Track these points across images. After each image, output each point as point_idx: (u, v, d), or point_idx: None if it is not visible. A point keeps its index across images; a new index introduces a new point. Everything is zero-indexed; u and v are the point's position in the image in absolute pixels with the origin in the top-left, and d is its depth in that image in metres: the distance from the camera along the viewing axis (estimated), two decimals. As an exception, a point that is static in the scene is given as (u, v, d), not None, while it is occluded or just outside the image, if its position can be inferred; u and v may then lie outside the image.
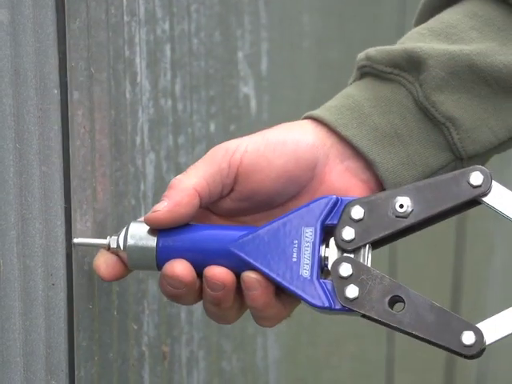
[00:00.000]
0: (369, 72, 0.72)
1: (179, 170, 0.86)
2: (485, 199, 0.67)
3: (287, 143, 0.70)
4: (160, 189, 0.84)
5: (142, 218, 0.71)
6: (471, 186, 0.66)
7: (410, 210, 0.67)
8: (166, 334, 0.85)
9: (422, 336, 0.67)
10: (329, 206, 0.68)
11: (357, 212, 0.67)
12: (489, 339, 0.67)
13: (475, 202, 0.67)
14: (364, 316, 0.68)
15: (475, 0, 0.74)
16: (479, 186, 0.66)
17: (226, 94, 0.96)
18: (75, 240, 0.70)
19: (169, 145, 0.85)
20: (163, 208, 0.68)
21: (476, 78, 0.71)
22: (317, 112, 0.71)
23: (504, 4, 0.72)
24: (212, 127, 0.93)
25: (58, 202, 0.69)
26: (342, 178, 0.72)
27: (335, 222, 0.67)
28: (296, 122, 0.72)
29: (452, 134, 0.70)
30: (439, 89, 0.71)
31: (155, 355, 0.84)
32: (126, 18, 0.78)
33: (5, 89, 0.64)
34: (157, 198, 0.81)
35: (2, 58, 0.63)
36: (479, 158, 0.71)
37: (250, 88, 1.00)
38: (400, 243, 1.46)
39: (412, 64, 0.71)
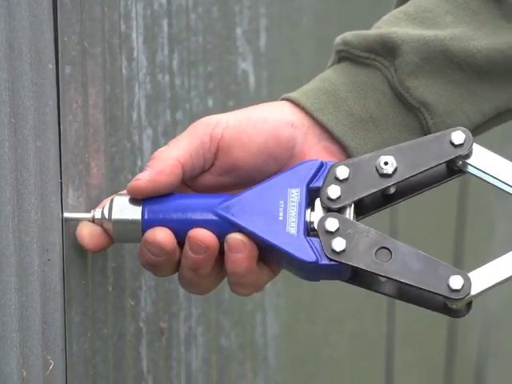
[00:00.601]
0: (346, 56, 0.72)
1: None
2: (468, 161, 0.67)
3: (268, 121, 0.70)
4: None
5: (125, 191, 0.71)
6: (453, 144, 0.67)
7: (393, 167, 0.67)
8: (163, 310, 0.85)
9: (409, 282, 0.68)
10: (314, 169, 0.68)
11: (342, 172, 0.67)
12: (477, 288, 0.68)
13: (459, 170, 0.68)
14: (352, 271, 0.69)
15: None
16: (461, 145, 0.67)
17: (224, 69, 0.96)
18: (65, 215, 0.70)
19: (166, 120, 0.86)
20: (145, 177, 0.68)
21: (450, 63, 0.71)
22: (294, 95, 0.72)
23: None
24: (210, 103, 0.93)
25: (54, 178, 0.69)
26: (321, 156, 0.72)
27: (320, 184, 0.68)
28: (276, 103, 0.73)
29: (426, 119, 0.71)
30: (413, 74, 0.71)
31: (153, 331, 0.84)
32: None
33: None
34: None
35: None
36: None
37: (248, 64, 1.00)
38: (400, 219, 1.46)
39: (387, 49, 0.71)
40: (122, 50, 0.78)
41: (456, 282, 0.67)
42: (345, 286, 0.72)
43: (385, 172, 0.67)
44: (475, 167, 0.67)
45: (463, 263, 1.73)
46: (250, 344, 1.03)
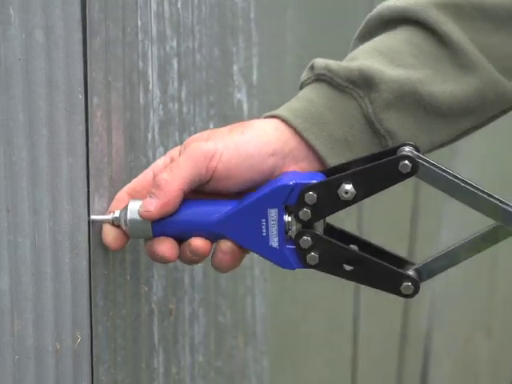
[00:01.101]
0: (327, 80, 0.71)
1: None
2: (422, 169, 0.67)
3: (254, 157, 0.69)
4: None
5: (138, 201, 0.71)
6: (402, 173, 0.66)
7: (353, 195, 0.66)
8: (171, 295, 0.85)
9: (370, 286, 0.68)
10: (288, 191, 0.67)
11: (311, 198, 0.66)
12: (424, 278, 0.69)
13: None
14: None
15: (409, 30, 0.72)
16: (408, 173, 0.66)
17: (222, 99, 0.95)
18: (92, 217, 0.70)
19: (175, 140, 0.85)
20: (154, 208, 0.68)
21: (416, 102, 0.70)
22: (284, 114, 0.71)
23: (434, 35, 0.70)
24: (211, 126, 0.92)
25: (82, 187, 0.69)
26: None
27: (293, 201, 0.67)
28: (265, 124, 0.71)
29: (388, 145, 0.70)
30: (386, 108, 0.70)
31: (163, 312, 0.84)
32: (140, 36, 0.77)
33: (40, 95, 0.64)
34: None
35: (38, 69, 0.64)
36: None
37: (242, 95, 0.99)
38: (365, 220, 1.46)
39: (366, 83, 0.69)
40: (140, 83, 0.78)
41: (407, 287, 0.68)
42: (319, 273, 0.71)
43: (345, 199, 0.66)
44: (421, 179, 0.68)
45: (416, 257, 1.73)
46: (242, 321, 1.03)
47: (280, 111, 0.71)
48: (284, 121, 0.70)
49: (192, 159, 0.68)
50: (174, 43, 0.84)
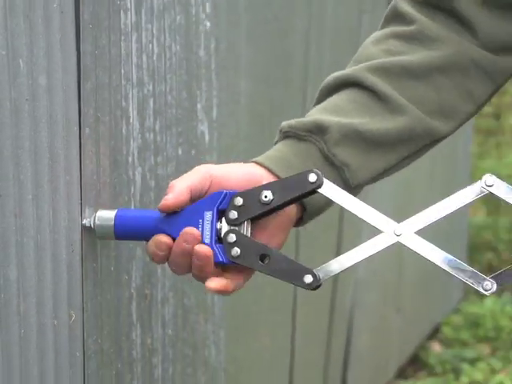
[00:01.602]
0: (291, 135, 0.70)
1: (158, 179, 0.86)
2: (320, 190, 0.66)
3: (241, 169, 0.69)
4: (145, 191, 0.83)
5: (106, 211, 0.70)
6: (310, 182, 0.65)
7: (271, 199, 0.65)
8: (147, 282, 0.84)
9: (280, 279, 0.67)
10: (221, 197, 0.66)
11: (238, 201, 0.66)
12: (323, 277, 0.66)
13: (315, 191, 0.67)
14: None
15: (350, 90, 0.72)
16: (314, 182, 0.65)
17: (189, 130, 0.95)
18: (84, 221, 0.70)
19: (151, 163, 0.84)
20: (170, 198, 0.66)
21: (358, 138, 0.70)
22: (262, 160, 0.70)
23: (369, 92, 0.71)
24: (180, 151, 0.92)
25: (76, 199, 0.69)
26: None
27: (225, 206, 0.66)
28: (247, 164, 0.71)
29: (345, 173, 0.70)
30: (336, 145, 0.69)
31: (140, 296, 0.83)
32: (123, 81, 0.77)
33: (43, 127, 0.64)
34: (143, 198, 0.83)
35: (41, 107, 0.64)
36: (361, 185, 0.71)
37: (204, 127, 0.99)
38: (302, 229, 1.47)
39: (319, 130, 0.69)
40: (123, 118, 0.78)
41: (308, 279, 0.65)
42: None
43: (265, 202, 0.66)
44: (325, 193, 0.67)
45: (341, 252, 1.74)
46: (203, 303, 1.01)
47: (258, 159, 0.71)
48: (261, 165, 0.70)
49: (196, 170, 0.68)
50: (151, 87, 0.83)
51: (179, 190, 0.66)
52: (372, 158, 0.71)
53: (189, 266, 0.66)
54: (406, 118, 0.70)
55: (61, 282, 0.67)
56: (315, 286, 0.65)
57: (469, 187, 0.66)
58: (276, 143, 0.72)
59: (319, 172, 0.65)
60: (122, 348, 0.79)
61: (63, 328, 0.67)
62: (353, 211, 0.67)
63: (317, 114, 0.71)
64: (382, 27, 0.74)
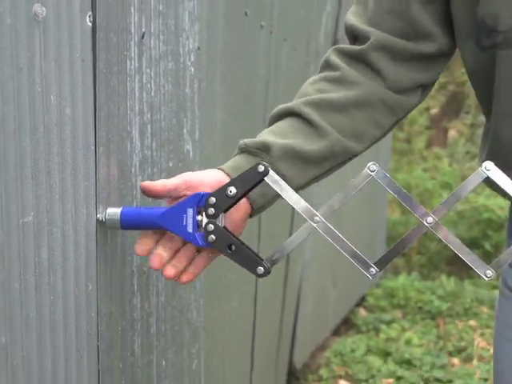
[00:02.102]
0: (245, 151, 0.70)
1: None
2: (266, 179, 0.64)
3: (209, 175, 0.69)
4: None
5: (114, 208, 0.69)
6: (259, 172, 0.64)
7: (235, 192, 0.64)
8: (145, 262, 0.81)
9: (240, 265, 0.65)
10: (199, 197, 0.65)
11: (212, 200, 0.65)
12: (275, 261, 0.64)
13: (263, 180, 0.65)
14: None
15: (290, 118, 0.71)
16: (263, 172, 0.63)
17: (177, 149, 0.93)
18: (98, 216, 0.69)
19: (149, 173, 0.83)
20: (147, 183, 0.67)
21: (295, 156, 0.69)
22: (224, 168, 0.70)
23: (304, 120, 0.71)
24: (170, 164, 0.90)
25: (92, 199, 0.68)
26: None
27: (203, 204, 0.65)
28: (214, 170, 0.70)
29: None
30: (278, 160, 0.69)
31: (139, 272, 0.82)
32: (128, 111, 0.76)
33: (68, 145, 0.63)
34: (143, 199, 0.79)
35: (66, 130, 0.62)
36: (296, 189, 0.69)
37: (189, 146, 0.97)
38: (263, 218, 1.43)
39: (266, 148, 0.69)
40: (128, 139, 0.77)
41: (260, 270, 0.64)
42: None
43: (231, 196, 0.64)
44: (268, 181, 0.65)
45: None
46: (180, 304, 0.97)
47: (220, 167, 0.70)
48: (222, 170, 0.70)
49: (175, 176, 0.68)
50: (149, 115, 0.82)
51: (156, 182, 0.67)
52: (304, 170, 0.70)
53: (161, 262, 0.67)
54: (328, 140, 0.70)
55: (80, 261, 0.66)
56: (265, 275, 0.64)
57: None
58: (235, 155, 0.71)
59: (266, 163, 0.64)
60: (125, 311, 0.78)
61: (82, 295, 0.67)
62: (286, 198, 0.65)
63: (265, 136, 0.71)
64: (318, 73, 0.75)
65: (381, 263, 0.63)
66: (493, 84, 0.69)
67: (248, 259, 0.64)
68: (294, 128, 0.71)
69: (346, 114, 0.71)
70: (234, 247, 0.64)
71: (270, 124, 0.73)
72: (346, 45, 0.74)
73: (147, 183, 0.67)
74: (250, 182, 0.64)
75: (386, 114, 0.72)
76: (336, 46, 0.75)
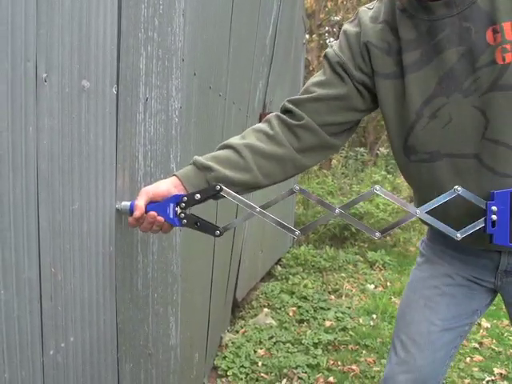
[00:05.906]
0: (195, 165, 0.66)
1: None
2: (222, 193, 0.63)
3: (163, 186, 0.65)
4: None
5: (126, 202, 0.66)
6: (216, 190, 0.61)
7: (199, 197, 0.61)
8: (145, 235, 0.77)
9: (203, 232, 0.61)
10: (179, 197, 0.64)
11: (184, 199, 0.63)
12: (224, 230, 0.62)
13: (219, 193, 0.63)
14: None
15: (227, 150, 0.67)
16: (219, 190, 0.61)
17: (166, 167, 0.86)
18: (116, 206, 0.67)
19: (148, 181, 0.78)
20: (131, 219, 0.63)
21: (228, 181, 0.64)
22: (179, 175, 0.65)
23: (237, 152, 0.67)
24: (162, 176, 0.83)
25: (112, 194, 0.65)
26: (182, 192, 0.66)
27: (179, 201, 0.63)
28: (171, 178, 0.65)
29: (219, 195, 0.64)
30: (215, 180, 0.64)
31: (144, 254, 0.77)
32: (137, 144, 0.72)
33: (96, 163, 0.59)
34: None
35: (99, 154, 0.60)
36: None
37: (174, 165, 0.90)
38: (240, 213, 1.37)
39: (208, 170, 0.65)
40: (135, 160, 0.73)
41: (217, 232, 0.62)
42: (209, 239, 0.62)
43: (197, 199, 0.62)
44: (225, 194, 0.62)
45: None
46: (170, 246, 0.90)
47: (175, 173, 0.66)
48: (176, 176, 0.65)
49: (140, 193, 0.65)
50: (149, 147, 0.78)
51: (137, 208, 0.60)
52: (229, 188, 0.64)
53: (150, 228, 0.63)
54: (251, 175, 0.67)
55: (105, 234, 0.65)
56: (221, 235, 0.63)
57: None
58: (188, 165, 0.67)
59: (222, 185, 0.63)
60: (132, 263, 0.74)
61: (106, 253, 0.65)
62: (235, 200, 0.63)
63: (210, 160, 0.65)
64: (261, 122, 0.71)
65: (303, 230, 0.62)
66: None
67: (208, 228, 0.63)
68: (229, 158, 0.66)
69: (269, 162, 0.67)
70: (198, 223, 0.63)
71: (218, 149, 0.68)
72: (284, 116, 0.69)
73: (131, 222, 0.63)
74: (209, 193, 0.63)
75: (291, 167, 0.69)
76: (277, 113, 0.69)
